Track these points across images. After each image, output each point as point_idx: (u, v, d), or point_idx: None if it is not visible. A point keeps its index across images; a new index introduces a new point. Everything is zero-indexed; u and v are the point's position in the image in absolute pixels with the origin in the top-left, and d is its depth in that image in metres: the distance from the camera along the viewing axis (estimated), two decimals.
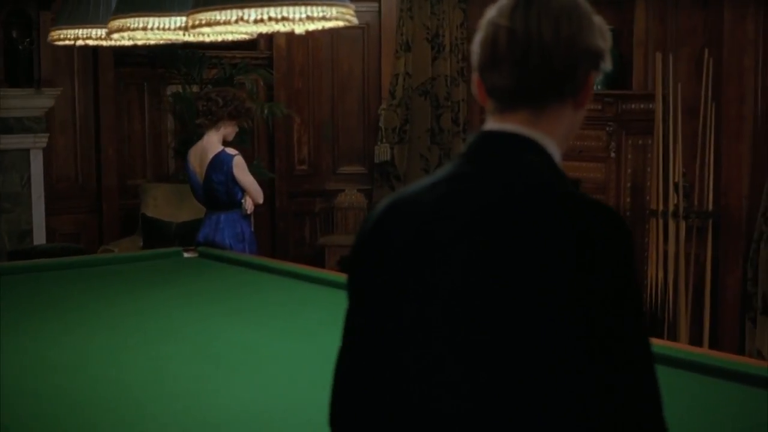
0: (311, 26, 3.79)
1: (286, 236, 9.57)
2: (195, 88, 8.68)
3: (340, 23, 3.53)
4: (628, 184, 6.15)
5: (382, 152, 9.48)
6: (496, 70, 1.56)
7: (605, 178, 6.11)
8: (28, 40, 7.88)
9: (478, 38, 1.58)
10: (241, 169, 6.05)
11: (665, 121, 5.99)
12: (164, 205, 8.26)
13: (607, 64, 1.67)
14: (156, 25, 3.91)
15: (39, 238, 8.01)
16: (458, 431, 1.49)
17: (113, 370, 3.51)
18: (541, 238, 1.46)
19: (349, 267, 1.70)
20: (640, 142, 6.10)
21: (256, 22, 3.37)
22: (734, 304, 6.06)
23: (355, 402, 1.64)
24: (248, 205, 6.12)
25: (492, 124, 1.59)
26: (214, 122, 6.07)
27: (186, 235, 7.32)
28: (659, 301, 5.92)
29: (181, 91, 8.62)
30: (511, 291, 1.45)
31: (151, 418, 3.01)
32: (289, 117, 9.46)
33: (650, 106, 6.06)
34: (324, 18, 3.39)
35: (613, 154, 6.06)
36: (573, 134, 1.66)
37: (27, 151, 7.94)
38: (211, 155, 6.04)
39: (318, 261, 9.30)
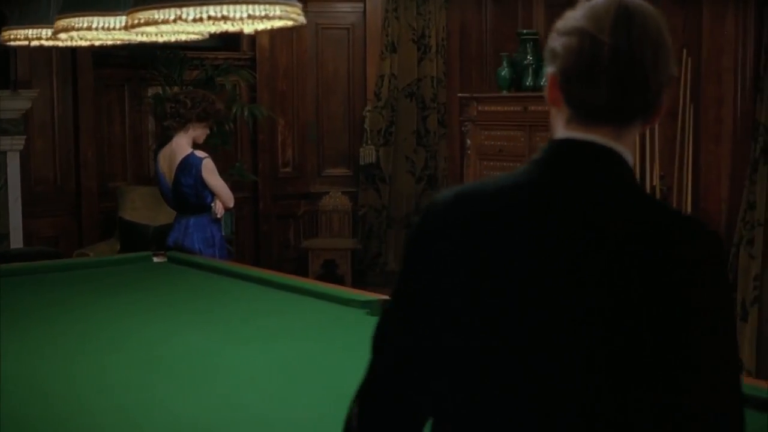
0: (260, 26, 3.67)
1: (269, 239, 9.46)
2: (176, 90, 8.58)
3: (286, 22, 3.40)
4: None
5: (368, 154, 9.38)
6: (592, 85, 1.57)
7: None
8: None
9: (564, 43, 1.57)
10: (210, 173, 5.94)
11: None
12: (142, 208, 8.15)
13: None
14: (101, 25, 3.81)
15: (16, 241, 7.91)
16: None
17: (60, 380, 3.40)
18: (643, 255, 1.50)
19: (411, 256, 1.69)
20: None
21: (195, 20, 3.26)
22: None
23: (398, 392, 1.66)
24: (218, 209, 6.01)
25: (574, 133, 1.60)
26: (182, 124, 5.96)
27: (164, 238, 7.18)
28: None
29: (161, 92, 8.50)
30: (606, 303, 1.49)
31: (99, 430, 2.92)
32: (273, 119, 9.36)
33: None
34: (267, 17, 3.28)
35: None
36: None
37: (4, 153, 7.84)
38: (179, 158, 5.94)
39: (302, 264, 9.21)
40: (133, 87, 8.65)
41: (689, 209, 5.89)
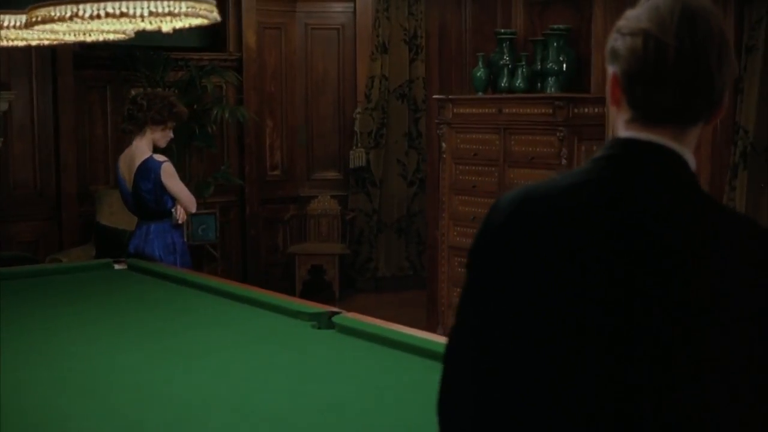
0: (178, 23, 3.47)
1: (257, 243, 9.27)
2: (141, 91, 8.41)
3: (195, 20, 3.20)
4: None
5: (358, 157, 9.19)
6: (657, 87, 1.58)
7: None
8: None
9: (627, 44, 1.58)
10: (169, 177, 5.74)
11: None
12: (120, 212, 7.94)
13: None
14: (11, 23, 3.62)
15: None
16: None
17: None
18: (711, 255, 1.54)
19: (477, 259, 1.67)
20: (595, 148, 5.72)
21: (92, 17, 3.07)
22: None
23: (469, 396, 1.64)
24: (179, 214, 5.81)
25: (636, 133, 1.61)
26: (139, 127, 5.78)
27: None
28: None
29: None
30: (677, 302, 1.52)
31: None
32: (261, 121, 9.18)
33: (605, 109, 5.68)
34: (171, 13, 3.09)
35: (564, 161, 5.69)
36: None
37: None
38: (138, 162, 5.75)
39: (290, 269, 9.02)
40: (115, 88, 8.49)
41: None
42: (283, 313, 4.24)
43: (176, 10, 3.12)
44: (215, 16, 3.30)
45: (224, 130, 8.93)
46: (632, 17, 1.60)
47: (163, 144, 5.90)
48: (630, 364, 1.53)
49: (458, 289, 6.41)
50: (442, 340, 3.38)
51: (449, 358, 1.68)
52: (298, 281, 8.94)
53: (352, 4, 9.38)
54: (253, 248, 9.24)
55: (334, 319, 3.96)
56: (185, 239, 5.94)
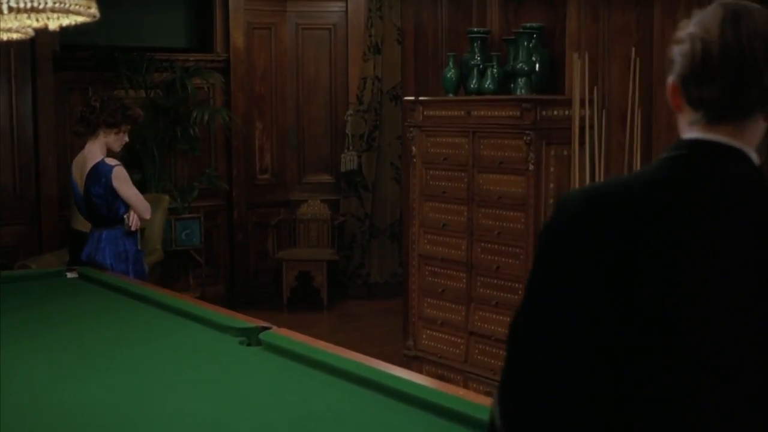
0: (65, 21, 3.25)
1: (245, 248, 9.06)
2: (142, 93, 8.25)
3: (77, 17, 2.98)
4: (551, 201, 5.49)
5: (349, 160, 8.96)
6: (707, 83, 1.66)
7: (525, 192, 5.45)
8: None
9: (679, 50, 1.69)
10: (121, 181, 5.54)
11: (589, 128, 5.31)
12: None
13: None
14: None
15: None
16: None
17: None
18: None
19: (548, 257, 1.70)
20: (565, 152, 5.44)
21: None
22: None
23: (535, 401, 1.65)
24: (132, 221, 5.60)
25: (698, 134, 1.69)
26: (91, 130, 5.59)
27: None
28: None
29: (125, 95, 8.16)
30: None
31: None
32: (251, 123, 8.98)
33: (582, 112, 5.38)
34: (35, 9, 2.86)
35: (531, 167, 5.40)
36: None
37: None
38: (89, 166, 5.56)
39: (279, 275, 8.80)
40: (98, 90, 8.29)
41: None
42: (215, 328, 4.09)
43: (40, 6, 2.89)
44: (93, 12, 3.07)
45: (211, 132, 8.73)
46: (682, 27, 1.73)
47: (117, 148, 5.71)
48: (724, 354, 1.62)
49: (429, 300, 6.16)
50: (371, 363, 3.25)
51: (520, 351, 1.69)
52: (286, 288, 8.72)
53: (344, 4, 9.14)
54: (240, 253, 9.04)
55: (262, 335, 3.82)
56: (139, 247, 5.71)
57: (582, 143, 5.36)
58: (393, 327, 7.57)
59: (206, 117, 8.09)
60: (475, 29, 6.14)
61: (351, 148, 8.95)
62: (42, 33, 7.93)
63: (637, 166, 5.26)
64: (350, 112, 8.97)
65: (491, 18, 6.27)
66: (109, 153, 5.69)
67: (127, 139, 5.76)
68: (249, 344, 3.78)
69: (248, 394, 3.19)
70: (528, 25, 5.83)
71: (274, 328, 3.95)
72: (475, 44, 6.04)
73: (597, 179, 5.36)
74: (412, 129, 6.18)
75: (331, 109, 9.28)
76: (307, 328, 8.37)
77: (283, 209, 9.19)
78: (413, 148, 6.18)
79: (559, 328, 1.64)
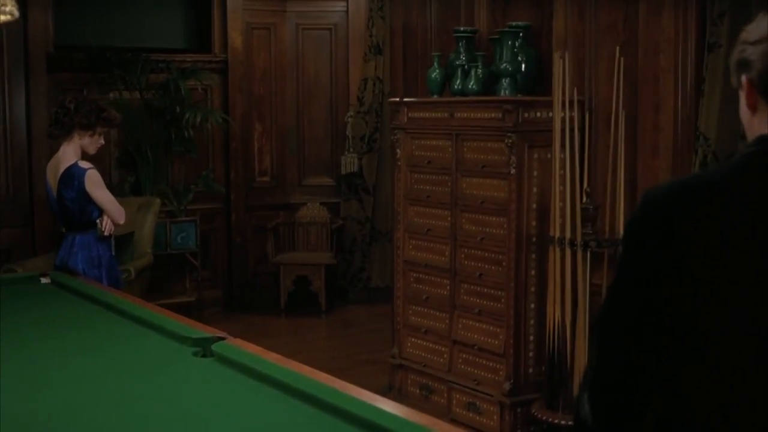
0: None
1: (243, 252, 8.93)
2: (137, 94, 8.14)
3: None
4: (534, 206, 5.29)
5: (349, 163, 8.79)
6: None
7: (507, 197, 5.25)
8: None
9: (760, 50, 1.75)
10: (94, 185, 5.42)
11: (576, 131, 5.11)
12: None
13: None
14: None
15: None
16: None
17: None
18: None
19: (636, 249, 1.80)
20: (549, 155, 5.23)
21: None
22: None
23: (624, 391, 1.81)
24: (105, 225, 5.47)
25: None
26: (65, 132, 5.47)
27: None
28: (558, 347, 5.05)
29: (119, 97, 8.06)
30: None
31: None
32: (250, 125, 8.85)
33: (561, 114, 5.18)
34: None
35: (513, 170, 5.20)
36: None
37: None
38: (63, 168, 5.44)
39: (276, 279, 8.66)
40: (93, 92, 8.20)
41: (621, 231, 5.12)
42: (173, 338, 3.98)
43: None
44: (9, 10, 2.92)
45: (208, 134, 8.60)
46: (754, 30, 1.79)
47: (92, 151, 5.59)
48: None
49: (414, 307, 5.98)
50: (317, 378, 3.16)
51: (603, 347, 1.83)
52: (283, 292, 8.58)
53: (345, 4, 8.98)
54: (238, 257, 8.90)
55: (214, 347, 3.71)
56: (113, 252, 5.58)
57: (568, 146, 5.15)
58: (388, 333, 7.42)
59: (198, 119, 7.95)
60: (461, 29, 5.96)
61: (351, 150, 8.78)
62: (36, 33, 7.90)
63: (622, 169, 5.05)
64: (351, 113, 8.80)
65: (479, 17, 6.08)
66: (85, 156, 5.57)
67: (102, 141, 5.63)
68: (204, 355, 3.67)
69: (188, 407, 3.11)
70: (513, 23, 5.64)
71: (229, 338, 3.85)
72: (461, 44, 5.86)
73: (580, 183, 5.16)
74: (396, 131, 6.02)
75: (331, 111, 9.12)
76: (303, 333, 8.28)
77: (282, 212, 9.05)
78: (398, 151, 6.01)
79: (649, 322, 1.76)
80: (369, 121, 8.77)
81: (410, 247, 6.01)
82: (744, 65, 1.79)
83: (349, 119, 8.81)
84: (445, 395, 5.76)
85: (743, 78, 1.79)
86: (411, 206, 5.98)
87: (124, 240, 7.27)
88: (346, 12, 8.98)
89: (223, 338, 3.85)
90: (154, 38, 8.61)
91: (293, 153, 9.13)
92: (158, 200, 7.76)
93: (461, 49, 5.86)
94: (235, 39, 8.70)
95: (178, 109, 8.15)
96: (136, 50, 8.15)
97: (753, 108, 1.79)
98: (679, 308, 1.73)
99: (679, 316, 1.73)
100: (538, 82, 5.66)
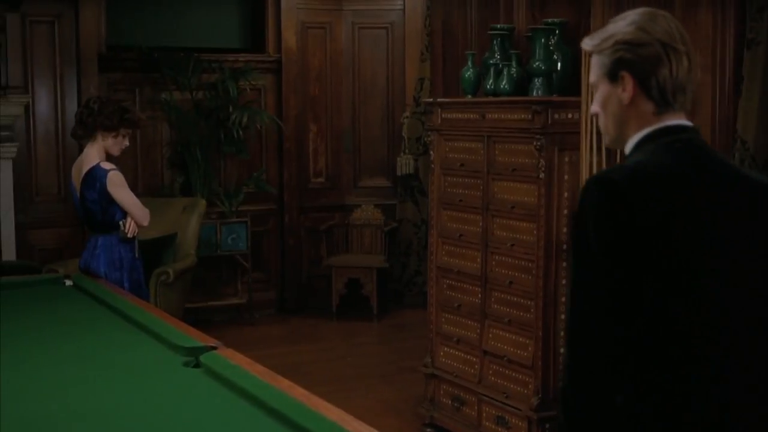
0: None
1: (297, 254, 8.82)
2: (188, 95, 8.11)
3: None
4: (565, 211, 5.02)
5: (405, 164, 8.60)
6: (674, 82, 2.15)
7: (536, 202, 5.00)
8: None
9: (645, 52, 2.15)
10: (117, 186, 5.35)
11: (597, 133, 4.83)
12: None
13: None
14: None
15: (8, 253, 7.60)
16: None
17: None
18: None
19: (600, 227, 2.00)
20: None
21: None
22: None
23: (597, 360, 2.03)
24: (129, 227, 5.39)
25: (670, 121, 2.18)
26: (89, 133, 5.42)
27: (145, 254, 6.65)
28: None
29: (169, 97, 8.03)
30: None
31: None
32: (304, 126, 8.74)
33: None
34: None
35: (542, 174, 4.95)
36: None
37: None
38: (85, 170, 5.39)
39: (329, 282, 8.53)
40: (146, 92, 8.18)
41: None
42: (167, 345, 3.94)
43: None
44: None
45: (263, 135, 8.52)
46: (634, 30, 2.18)
47: (116, 152, 5.52)
48: (729, 292, 2.07)
49: (446, 315, 5.77)
50: (294, 395, 3.10)
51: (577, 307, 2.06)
52: (335, 295, 8.45)
53: (401, 2, 8.82)
54: (291, 259, 8.80)
55: (202, 357, 3.65)
56: (137, 255, 5.50)
57: (596, 148, 4.89)
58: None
59: (245, 119, 7.87)
60: (498, 26, 5.73)
61: (407, 151, 8.59)
62: (88, 33, 7.91)
63: None
64: (406, 114, 8.62)
65: (517, 14, 5.84)
66: (109, 157, 5.50)
67: (127, 143, 5.56)
68: (196, 365, 3.61)
69: (162, 417, 3.10)
70: (549, 20, 5.39)
71: (221, 348, 3.77)
72: (495, 42, 5.62)
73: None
74: (430, 133, 5.81)
75: (387, 111, 8.96)
76: (353, 337, 8.12)
77: (338, 214, 8.92)
78: (432, 153, 5.81)
79: (615, 281, 2.01)
80: (425, 122, 8.56)
81: (443, 252, 5.80)
82: (628, 64, 2.15)
83: (405, 120, 8.62)
84: (476, 408, 5.53)
85: (626, 75, 2.15)
86: (444, 210, 5.77)
87: (166, 241, 7.22)
88: (403, 10, 8.81)
89: (214, 348, 3.78)
90: (208, 38, 8.57)
91: (348, 152, 8.99)
92: (203, 201, 7.70)
93: (496, 48, 5.62)
94: (289, 39, 8.60)
95: (230, 109, 8.09)
96: (188, 50, 8.10)
97: (631, 101, 2.17)
98: (646, 282, 2.00)
99: (648, 288, 2.00)
100: (574, 82, 5.38)
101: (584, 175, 4.87)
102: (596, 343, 2.01)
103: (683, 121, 2.16)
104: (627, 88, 2.14)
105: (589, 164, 4.85)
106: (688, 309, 2.02)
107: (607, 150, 4.91)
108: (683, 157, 2.10)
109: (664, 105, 2.14)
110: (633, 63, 2.12)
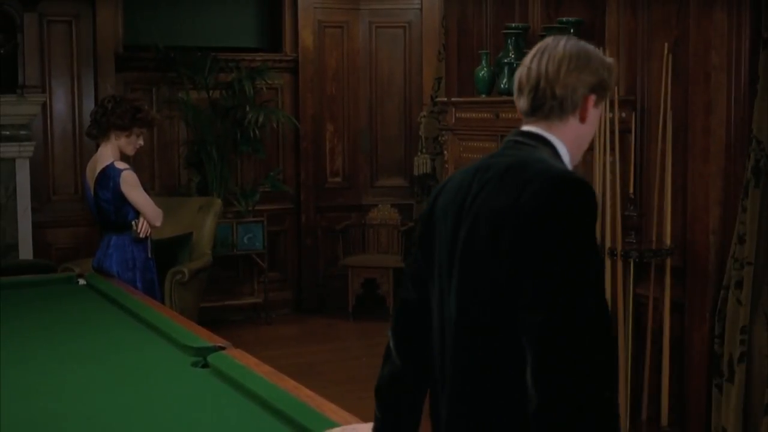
0: None
1: (314, 254, 8.81)
2: (204, 94, 8.11)
3: None
4: None
5: (422, 164, 8.55)
6: (521, 94, 2.27)
7: None
8: (12, 43, 7.48)
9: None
10: (130, 186, 5.35)
11: (610, 133, 4.80)
12: None
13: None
14: None
15: (25, 252, 7.62)
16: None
17: None
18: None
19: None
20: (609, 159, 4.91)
21: None
22: (701, 365, 4.78)
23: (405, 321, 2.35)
24: (141, 227, 5.39)
25: (523, 126, 2.32)
26: (102, 133, 5.42)
27: (161, 253, 6.65)
28: None
29: (186, 96, 8.04)
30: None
31: None
32: (321, 125, 8.72)
33: (610, 114, 4.87)
34: None
35: None
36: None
37: (12, 160, 7.54)
38: (99, 169, 5.39)
39: (346, 282, 8.51)
40: (163, 91, 8.19)
41: (669, 242, 4.78)
42: (176, 345, 3.94)
43: None
44: None
45: (280, 134, 8.51)
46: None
47: (130, 152, 5.53)
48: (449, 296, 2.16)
49: None
50: (299, 396, 3.10)
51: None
52: (351, 295, 8.43)
53: (419, 1, 8.77)
54: (308, 258, 8.78)
55: (210, 358, 3.65)
56: (150, 255, 5.49)
57: (608, 148, 4.85)
58: None
59: (261, 118, 7.86)
60: (513, 25, 5.70)
61: (424, 150, 8.55)
62: (105, 33, 7.93)
63: (669, 174, 4.72)
64: (423, 113, 8.58)
65: (533, 13, 5.80)
66: (124, 157, 5.51)
67: (141, 142, 5.57)
68: (205, 365, 3.61)
69: (167, 418, 3.10)
70: (563, 19, 5.35)
71: (229, 348, 3.76)
72: (509, 41, 5.59)
73: (626, 189, 4.85)
74: (444, 132, 5.79)
75: (405, 111, 8.92)
76: (368, 337, 8.10)
77: (354, 213, 8.89)
78: (446, 153, 5.79)
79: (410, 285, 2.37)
80: (442, 121, 8.53)
81: None
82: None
83: (422, 119, 8.59)
84: None
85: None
86: None
87: (181, 241, 7.22)
88: (420, 10, 8.77)
89: (222, 348, 3.78)
90: (225, 38, 8.57)
91: (366, 152, 8.97)
92: (219, 201, 7.69)
93: (510, 47, 5.59)
94: (306, 38, 8.58)
95: (247, 108, 8.08)
96: (205, 50, 8.10)
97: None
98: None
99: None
100: None
101: (598, 175, 4.83)
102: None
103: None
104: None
105: (602, 164, 4.81)
106: None
107: (621, 150, 4.88)
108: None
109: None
110: None
